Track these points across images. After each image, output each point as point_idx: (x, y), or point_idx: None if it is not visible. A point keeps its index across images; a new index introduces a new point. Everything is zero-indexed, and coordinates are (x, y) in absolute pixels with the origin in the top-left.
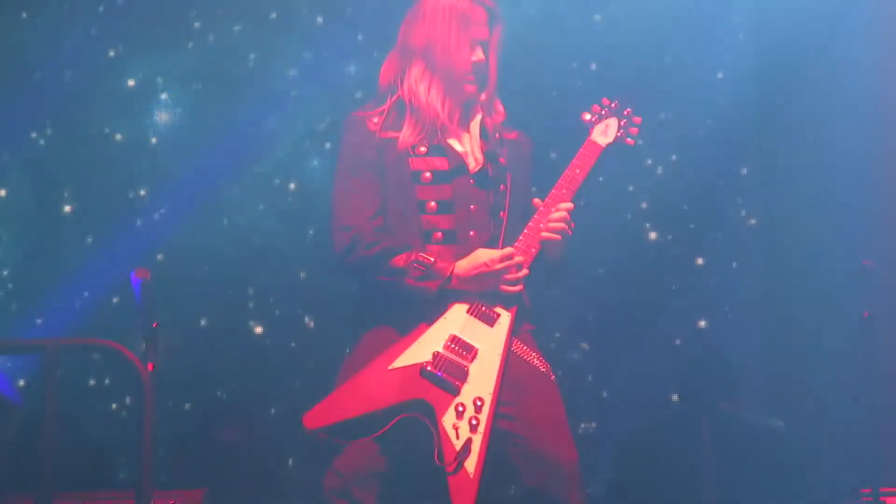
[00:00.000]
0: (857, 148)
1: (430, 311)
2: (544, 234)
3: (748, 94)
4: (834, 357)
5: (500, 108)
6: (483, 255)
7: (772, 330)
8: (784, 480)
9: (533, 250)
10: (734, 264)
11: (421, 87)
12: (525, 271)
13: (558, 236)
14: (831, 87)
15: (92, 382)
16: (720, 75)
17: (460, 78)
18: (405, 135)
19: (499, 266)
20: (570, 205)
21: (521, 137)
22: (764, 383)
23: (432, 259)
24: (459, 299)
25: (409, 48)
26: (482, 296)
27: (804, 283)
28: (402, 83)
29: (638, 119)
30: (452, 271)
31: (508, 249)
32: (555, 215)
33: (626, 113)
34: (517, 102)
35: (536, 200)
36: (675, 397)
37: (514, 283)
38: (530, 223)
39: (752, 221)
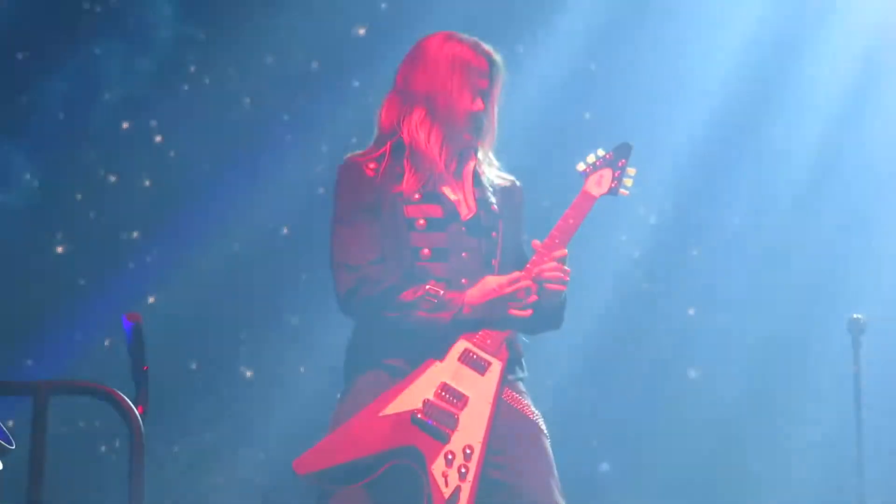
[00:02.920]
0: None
1: (440, 346)
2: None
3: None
4: None
5: (492, 156)
6: (492, 280)
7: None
8: None
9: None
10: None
11: (422, 133)
12: (534, 296)
13: (559, 285)
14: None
15: (82, 425)
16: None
17: (461, 127)
18: (407, 180)
19: (508, 290)
20: (563, 252)
21: (513, 185)
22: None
23: (441, 291)
24: (469, 331)
25: (411, 93)
26: (489, 322)
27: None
28: (402, 127)
29: (632, 170)
30: (464, 300)
31: (516, 273)
32: (548, 265)
33: (620, 164)
34: (510, 150)
35: (535, 242)
36: None
37: (523, 307)
38: (534, 258)
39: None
